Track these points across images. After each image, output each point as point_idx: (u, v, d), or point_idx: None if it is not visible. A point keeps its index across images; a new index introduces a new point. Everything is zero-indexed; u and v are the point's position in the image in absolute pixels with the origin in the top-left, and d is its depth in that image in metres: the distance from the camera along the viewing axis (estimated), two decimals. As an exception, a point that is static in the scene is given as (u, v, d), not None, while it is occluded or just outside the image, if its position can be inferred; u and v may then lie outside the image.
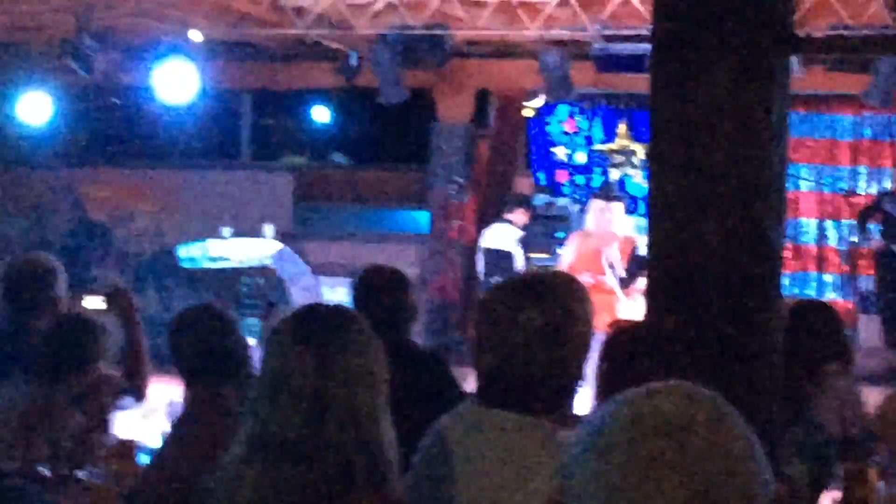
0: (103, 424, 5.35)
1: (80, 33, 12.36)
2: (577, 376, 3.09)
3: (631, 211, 13.45)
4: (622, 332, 4.57)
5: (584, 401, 3.69)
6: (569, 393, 3.08)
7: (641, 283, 9.52)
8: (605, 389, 4.06)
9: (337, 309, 2.87)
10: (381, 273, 5.58)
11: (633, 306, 10.31)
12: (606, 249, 10.86)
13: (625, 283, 10.77)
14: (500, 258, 12.47)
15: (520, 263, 12.74)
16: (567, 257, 11.19)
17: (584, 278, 9.37)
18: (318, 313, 2.82)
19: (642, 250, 9.83)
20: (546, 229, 13.40)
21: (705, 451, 1.70)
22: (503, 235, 12.76)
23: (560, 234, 13.36)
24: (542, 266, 12.16)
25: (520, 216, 12.86)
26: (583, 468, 1.76)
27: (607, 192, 12.02)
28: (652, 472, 1.70)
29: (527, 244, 12.76)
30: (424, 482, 2.88)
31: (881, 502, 3.91)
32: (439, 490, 2.95)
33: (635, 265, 10.52)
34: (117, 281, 13.07)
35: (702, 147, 3.93)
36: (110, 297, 5.86)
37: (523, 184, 14.86)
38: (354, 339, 2.68)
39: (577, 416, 3.02)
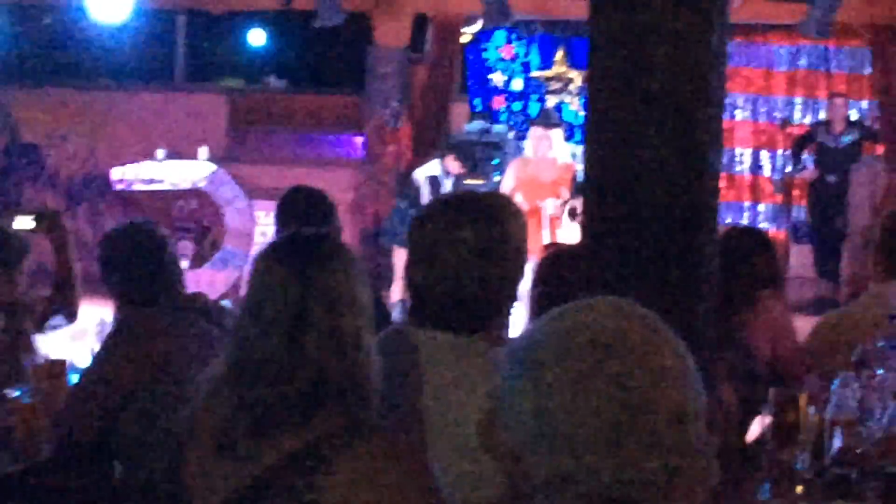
0: (32, 344, 5.30)
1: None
2: (511, 297, 3.07)
3: (567, 138, 13.42)
4: (555, 255, 4.56)
5: (518, 325, 3.68)
6: (502, 314, 3.07)
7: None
8: (539, 312, 4.05)
9: (320, 235, 2.83)
10: (303, 194, 5.55)
11: (570, 233, 10.30)
12: (552, 181, 10.85)
13: (572, 213, 10.73)
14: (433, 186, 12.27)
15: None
16: (506, 184, 11.17)
17: (522, 204, 9.37)
18: (302, 238, 2.79)
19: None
20: (481, 155, 13.31)
21: (637, 366, 1.65)
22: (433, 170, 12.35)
23: (495, 161, 13.30)
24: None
25: (451, 163, 12.31)
26: (513, 387, 1.72)
27: (546, 120, 11.92)
28: (582, 388, 1.65)
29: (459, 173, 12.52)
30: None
31: (811, 427, 3.94)
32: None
33: (577, 192, 10.48)
34: (49, 202, 12.94)
35: (640, 71, 3.91)
36: (40, 217, 5.81)
37: (460, 110, 14.77)
38: (338, 262, 2.66)
39: (510, 339, 3.00)
